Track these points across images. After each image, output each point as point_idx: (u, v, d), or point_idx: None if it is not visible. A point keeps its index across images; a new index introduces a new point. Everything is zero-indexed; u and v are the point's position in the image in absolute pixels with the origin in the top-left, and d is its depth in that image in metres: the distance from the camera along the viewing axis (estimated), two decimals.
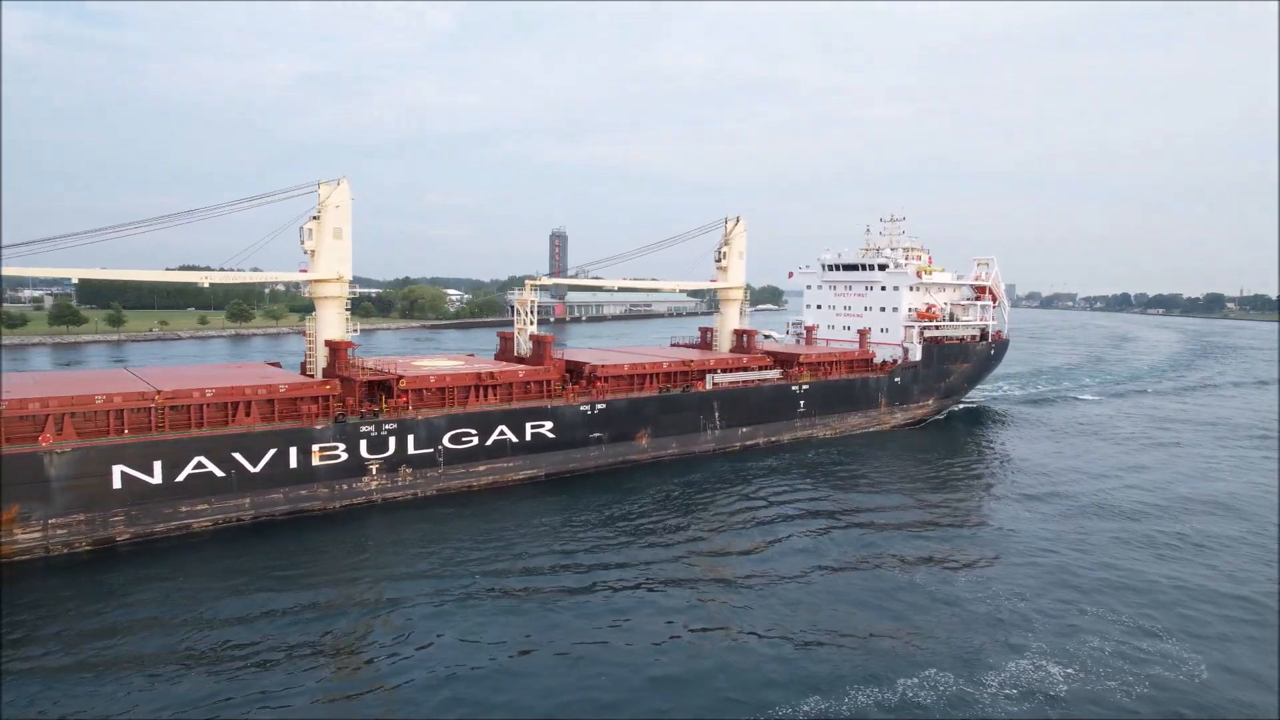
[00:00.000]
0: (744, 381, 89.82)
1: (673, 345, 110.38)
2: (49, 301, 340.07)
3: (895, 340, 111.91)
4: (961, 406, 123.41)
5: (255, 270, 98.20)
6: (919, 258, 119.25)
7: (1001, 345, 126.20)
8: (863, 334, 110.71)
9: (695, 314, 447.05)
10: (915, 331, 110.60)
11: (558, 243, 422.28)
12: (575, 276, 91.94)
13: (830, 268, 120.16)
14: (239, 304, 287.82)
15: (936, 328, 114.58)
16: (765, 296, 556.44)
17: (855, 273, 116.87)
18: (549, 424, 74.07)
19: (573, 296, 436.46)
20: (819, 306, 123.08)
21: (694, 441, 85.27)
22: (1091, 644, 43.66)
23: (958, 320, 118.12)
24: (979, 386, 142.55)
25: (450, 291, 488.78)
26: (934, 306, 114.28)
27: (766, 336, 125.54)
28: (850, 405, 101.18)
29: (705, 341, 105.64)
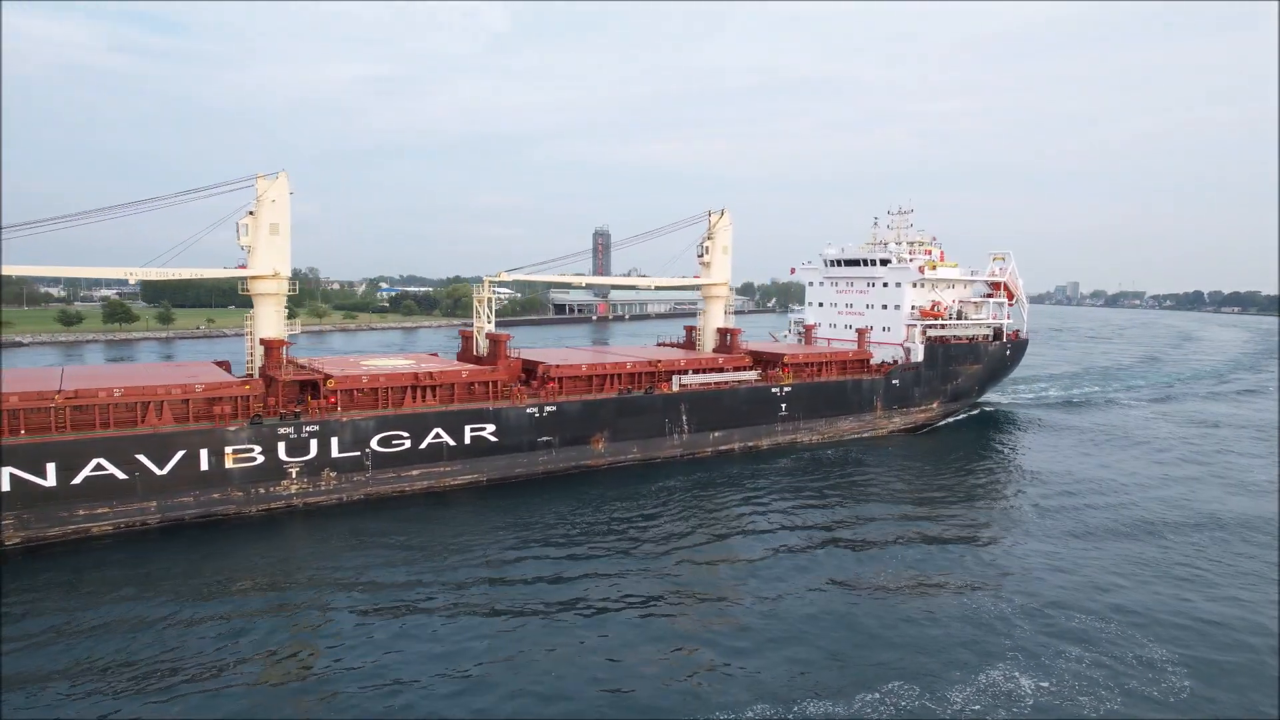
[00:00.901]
0: (716, 383, 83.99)
1: (659, 345, 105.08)
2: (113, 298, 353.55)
3: (897, 340, 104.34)
4: (976, 410, 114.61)
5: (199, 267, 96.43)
6: (928, 252, 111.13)
7: (1019, 345, 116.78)
8: (861, 333, 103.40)
9: (743, 311, 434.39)
10: (918, 330, 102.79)
11: (600, 241, 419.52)
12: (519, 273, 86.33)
13: (832, 263, 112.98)
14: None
15: (942, 326, 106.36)
16: None
17: (857, 268, 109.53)
18: (491, 427, 69.83)
19: (615, 295, 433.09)
20: (821, 304, 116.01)
21: (658, 446, 79.92)
22: (1070, 666, 39.35)
23: (968, 319, 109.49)
24: (1008, 388, 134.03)
25: (503, 290, 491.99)
26: (939, 304, 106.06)
27: (784, 336, 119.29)
28: (841, 409, 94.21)
29: (690, 340, 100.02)
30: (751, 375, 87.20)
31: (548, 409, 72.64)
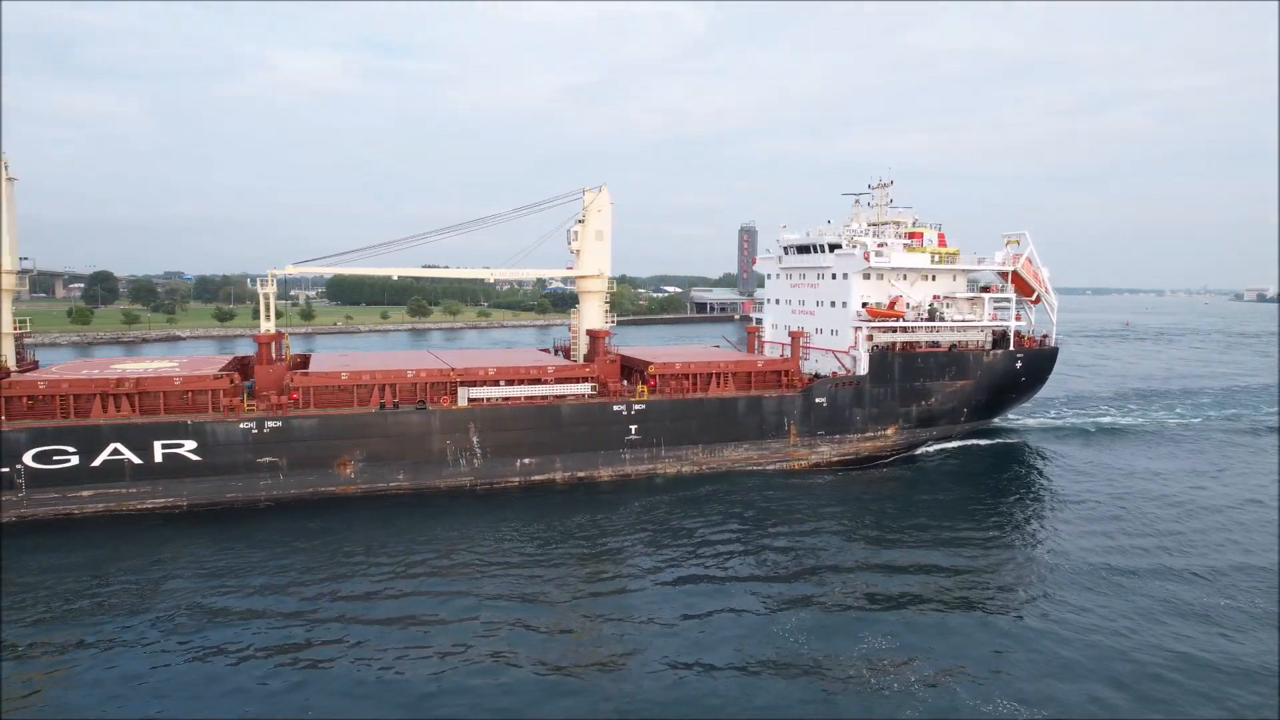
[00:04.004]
0: (526, 398, 65.45)
1: (543, 350, 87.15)
2: (302, 299, 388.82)
3: (845, 345, 78.35)
4: (968, 441, 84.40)
5: None
6: (913, 235, 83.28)
7: (1037, 356, 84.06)
8: (795, 336, 78.72)
9: None
10: (863, 334, 76.27)
11: (745, 238, 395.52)
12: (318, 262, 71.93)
13: (788, 250, 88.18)
14: (419, 300, 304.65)
15: (903, 330, 78.47)
16: None
17: (808, 256, 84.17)
18: (190, 444, 57.29)
19: (761, 293, 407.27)
20: (777, 301, 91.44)
21: (437, 473, 63.14)
22: None
23: (949, 320, 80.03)
24: (1128, 406, 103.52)
25: (670, 288, 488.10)
26: (899, 300, 78.01)
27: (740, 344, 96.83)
28: (729, 433, 71.11)
29: (569, 345, 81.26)
30: (583, 389, 67.42)
31: (269, 424, 58.80)
